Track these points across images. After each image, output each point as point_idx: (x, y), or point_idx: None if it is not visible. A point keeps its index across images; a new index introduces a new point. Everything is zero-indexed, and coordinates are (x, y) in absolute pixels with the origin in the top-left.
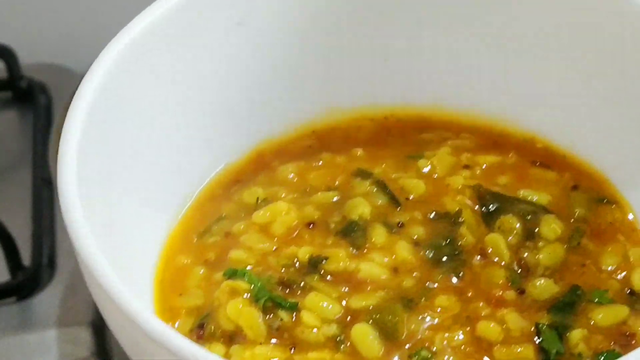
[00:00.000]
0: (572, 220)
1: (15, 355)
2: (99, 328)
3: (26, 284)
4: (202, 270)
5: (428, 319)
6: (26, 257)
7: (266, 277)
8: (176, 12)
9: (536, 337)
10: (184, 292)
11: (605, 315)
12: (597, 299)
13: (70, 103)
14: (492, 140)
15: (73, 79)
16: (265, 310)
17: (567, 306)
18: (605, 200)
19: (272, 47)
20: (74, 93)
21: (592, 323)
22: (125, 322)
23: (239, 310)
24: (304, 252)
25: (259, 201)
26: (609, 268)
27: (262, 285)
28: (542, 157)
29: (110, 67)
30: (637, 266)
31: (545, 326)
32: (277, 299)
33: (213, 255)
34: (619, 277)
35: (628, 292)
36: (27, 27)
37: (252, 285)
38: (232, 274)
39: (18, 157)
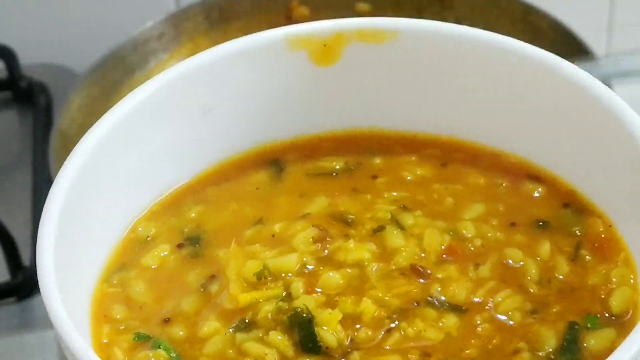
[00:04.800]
0: None
1: (15, 355)
2: None
3: (26, 284)
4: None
5: None
6: (26, 257)
7: None
8: (147, 104)
9: None
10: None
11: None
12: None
13: (69, 102)
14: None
15: (73, 79)
16: None
17: None
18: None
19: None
20: (73, 93)
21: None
22: None
23: None
24: None
25: None
26: None
27: (178, 355)
28: None
29: (86, 157)
30: None
31: None
32: None
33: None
34: None
35: None
36: (27, 27)
37: (170, 355)
38: (141, 339)
39: (18, 157)
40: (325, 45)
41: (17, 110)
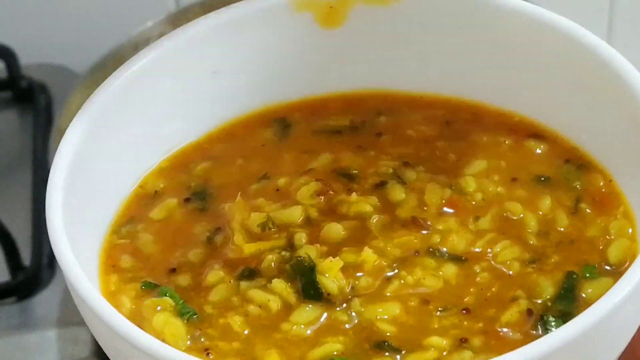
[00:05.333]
0: None
1: (15, 355)
2: None
3: (26, 284)
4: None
5: None
6: (26, 257)
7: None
8: (157, 63)
9: None
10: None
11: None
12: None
13: (69, 102)
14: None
15: (73, 79)
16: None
17: None
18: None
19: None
20: (73, 93)
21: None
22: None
23: (164, 322)
24: None
25: None
26: None
27: (184, 302)
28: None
29: (94, 113)
30: None
31: None
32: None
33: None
34: None
35: None
36: (27, 27)
37: (176, 302)
38: (148, 287)
39: (18, 157)
40: (331, 7)
41: (17, 110)
